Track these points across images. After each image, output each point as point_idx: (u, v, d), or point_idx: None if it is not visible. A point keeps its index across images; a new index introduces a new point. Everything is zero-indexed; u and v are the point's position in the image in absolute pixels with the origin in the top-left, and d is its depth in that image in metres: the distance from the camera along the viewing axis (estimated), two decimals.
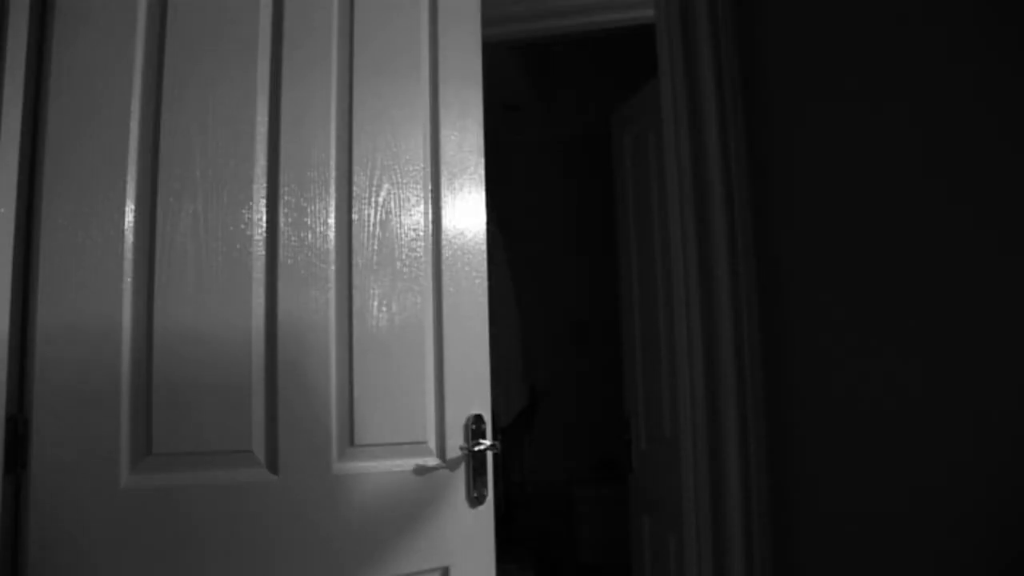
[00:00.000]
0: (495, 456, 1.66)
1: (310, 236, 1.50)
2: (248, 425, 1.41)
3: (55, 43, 1.36)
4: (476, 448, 1.60)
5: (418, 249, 1.61)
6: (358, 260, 1.54)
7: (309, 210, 1.51)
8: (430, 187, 1.64)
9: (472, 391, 1.63)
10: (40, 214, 1.32)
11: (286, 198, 1.49)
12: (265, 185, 1.48)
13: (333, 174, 1.54)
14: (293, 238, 1.48)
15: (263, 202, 1.47)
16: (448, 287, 1.63)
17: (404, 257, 1.59)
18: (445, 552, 1.56)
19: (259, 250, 1.46)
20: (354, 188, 1.56)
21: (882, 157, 1.34)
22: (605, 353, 3.77)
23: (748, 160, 1.37)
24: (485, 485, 1.61)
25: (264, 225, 1.47)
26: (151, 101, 1.41)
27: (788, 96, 1.38)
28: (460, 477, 1.60)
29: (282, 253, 1.47)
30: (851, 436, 1.30)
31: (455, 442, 1.60)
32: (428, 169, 1.65)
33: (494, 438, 1.64)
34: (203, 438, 1.38)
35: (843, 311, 1.33)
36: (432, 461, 1.58)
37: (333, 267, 1.52)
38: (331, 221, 1.52)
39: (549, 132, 4.18)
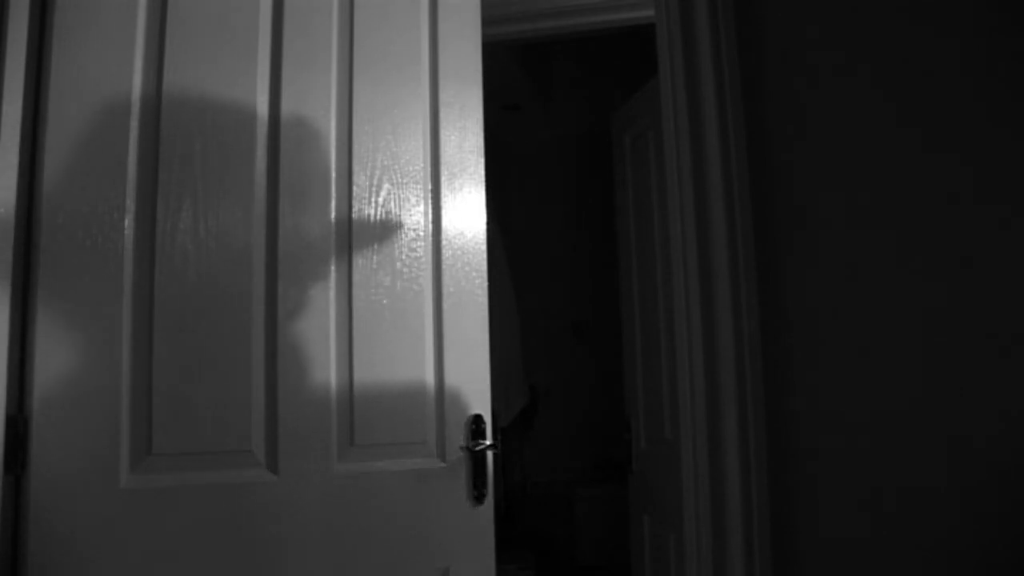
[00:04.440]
0: (495, 456, 1.66)
1: (310, 236, 1.50)
2: (248, 425, 1.41)
3: (55, 43, 1.36)
4: (476, 448, 1.60)
5: (418, 249, 1.61)
6: (358, 260, 1.54)
7: (309, 210, 1.51)
8: (430, 187, 1.64)
9: (472, 391, 1.63)
10: (40, 214, 1.32)
11: (286, 198, 1.49)
12: (265, 185, 1.48)
13: (333, 174, 1.54)
14: (293, 238, 1.48)
15: (263, 202, 1.47)
16: (448, 287, 1.63)
17: (404, 257, 1.59)
18: (445, 552, 1.56)
19: (259, 250, 1.46)
20: (354, 188, 1.56)
21: (883, 154, 1.34)
22: (605, 353, 3.76)
23: (748, 160, 1.37)
24: (485, 485, 1.61)
25: (264, 225, 1.47)
26: (151, 101, 1.41)
27: (789, 95, 1.38)
28: (460, 477, 1.60)
29: (282, 253, 1.47)
30: (852, 436, 1.30)
31: (455, 442, 1.60)
32: (428, 169, 1.65)
33: (494, 438, 1.64)
34: (203, 438, 1.38)
35: (845, 310, 1.32)
36: (432, 461, 1.58)
37: (333, 267, 1.52)
38: (331, 221, 1.53)
39: (549, 132, 4.18)
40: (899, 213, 1.33)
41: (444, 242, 1.64)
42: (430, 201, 1.64)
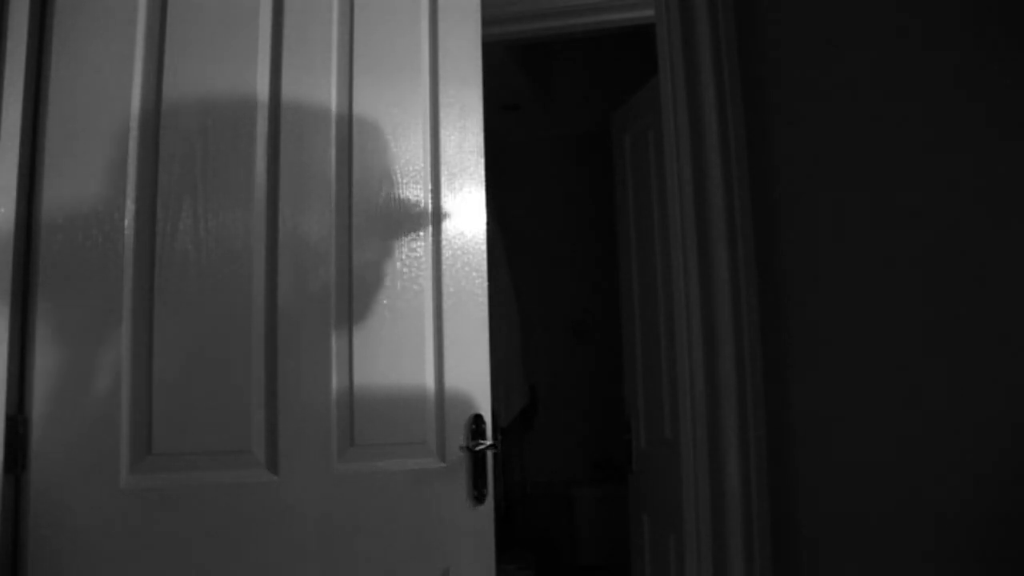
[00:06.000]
0: (495, 456, 1.66)
1: (310, 236, 1.50)
2: (248, 425, 1.41)
3: (55, 42, 1.36)
4: (476, 448, 1.60)
5: (418, 249, 1.61)
6: (358, 260, 1.54)
7: (309, 210, 1.51)
8: (430, 187, 1.64)
9: (472, 391, 1.63)
10: (40, 214, 1.32)
11: (286, 198, 1.49)
12: (265, 185, 1.48)
13: (333, 174, 1.54)
14: (293, 238, 1.48)
15: (263, 202, 1.47)
16: (448, 287, 1.63)
17: (404, 257, 1.59)
18: (445, 552, 1.56)
19: (259, 250, 1.46)
20: (354, 188, 1.55)
21: (885, 152, 1.34)
22: (605, 353, 3.76)
23: (748, 160, 1.37)
24: (485, 485, 1.61)
25: (264, 225, 1.47)
26: (151, 101, 1.41)
27: (789, 94, 1.38)
28: (460, 477, 1.60)
29: (282, 253, 1.47)
30: (852, 436, 1.30)
31: (455, 442, 1.60)
32: (428, 169, 1.65)
33: (494, 438, 1.64)
34: (203, 438, 1.38)
35: (845, 309, 1.32)
36: (432, 461, 1.58)
37: (333, 267, 1.52)
38: (331, 221, 1.52)
39: (549, 132, 4.18)
40: (901, 211, 1.33)
41: (444, 242, 1.64)
42: (430, 201, 1.64)
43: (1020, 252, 1.30)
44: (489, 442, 1.62)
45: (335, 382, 1.49)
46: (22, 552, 1.25)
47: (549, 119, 4.09)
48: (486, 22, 1.78)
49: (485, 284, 1.68)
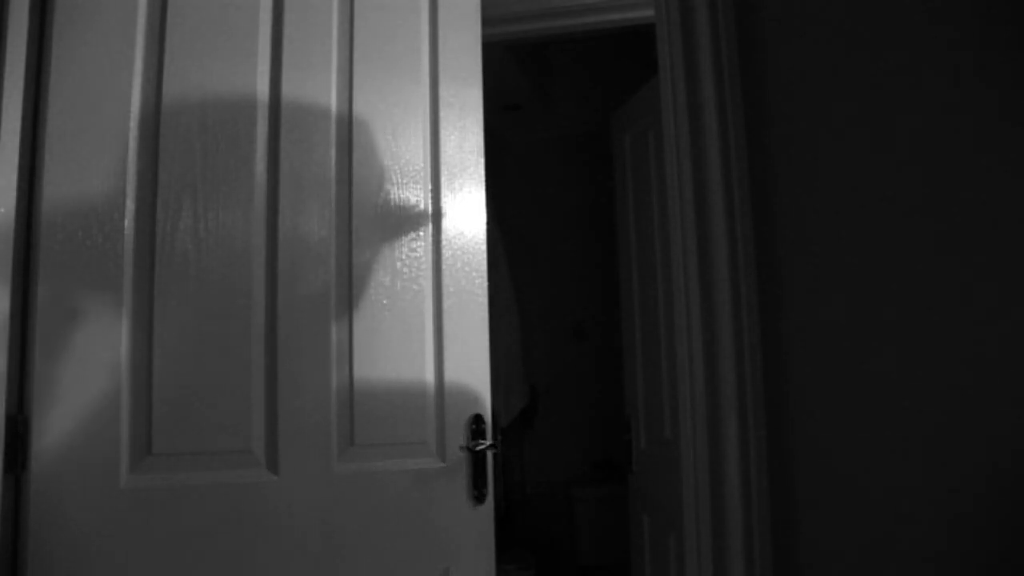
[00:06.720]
0: (495, 456, 1.66)
1: (310, 236, 1.50)
2: (248, 425, 1.41)
3: (55, 42, 1.36)
4: (476, 448, 1.60)
5: (418, 249, 1.61)
6: (358, 260, 1.54)
7: (309, 210, 1.51)
8: (430, 187, 1.64)
9: (472, 391, 1.63)
10: (40, 214, 1.32)
11: (286, 198, 1.49)
12: (265, 185, 1.48)
13: (333, 174, 1.54)
14: (293, 238, 1.48)
15: (263, 202, 1.47)
16: (448, 287, 1.63)
17: (404, 257, 1.59)
18: (445, 552, 1.56)
19: (259, 250, 1.46)
20: (354, 188, 1.56)
21: (884, 152, 1.34)
22: (605, 353, 3.76)
23: (748, 160, 1.37)
24: (485, 485, 1.61)
25: (264, 225, 1.47)
26: (151, 100, 1.41)
27: (789, 94, 1.38)
28: (460, 477, 1.60)
29: (282, 253, 1.47)
30: (853, 436, 1.30)
31: (455, 442, 1.60)
32: (428, 169, 1.65)
33: (494, 438, 1.64)
34: (203, 438, 1.38)
35: (845, 310, 1.32)
36: (432, 461, 1.58)
37: (333, 267, 1.52)
38: (331, 221, 1.52)
39: (549, 132, 4.18)
40: (902, 210, 1.33)
41: (444, 242, 1.64)
42: (430, 201, 1.64)
43: None
44: (489, 442, 1.62)
45: (335, 382, 1.49)
46: (22, 552, 1.25)
47: (549, 119, 4.09)
48: (486, 22, 1.78)
49: (485, 284, 1.68)
